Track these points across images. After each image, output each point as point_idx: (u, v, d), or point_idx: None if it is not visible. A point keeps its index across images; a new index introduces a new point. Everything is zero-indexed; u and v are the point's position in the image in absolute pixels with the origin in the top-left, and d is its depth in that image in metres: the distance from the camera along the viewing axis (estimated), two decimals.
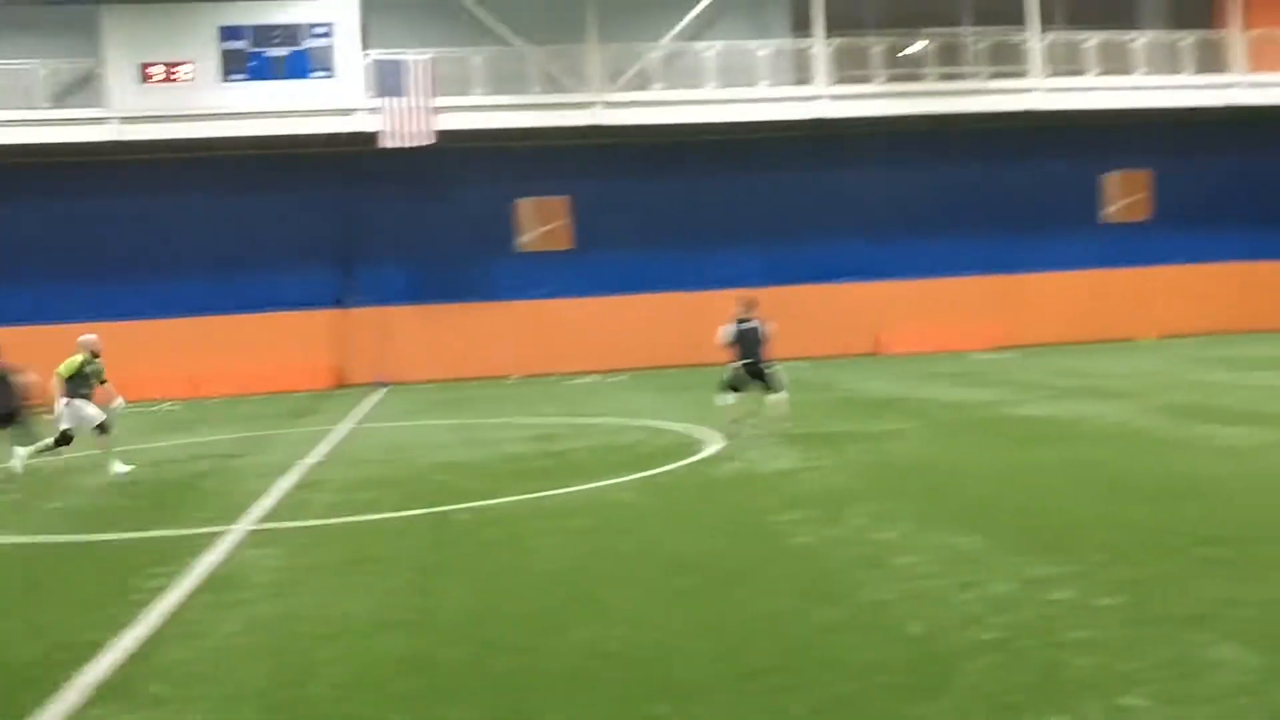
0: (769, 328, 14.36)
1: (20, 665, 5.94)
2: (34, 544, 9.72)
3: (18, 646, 6.32)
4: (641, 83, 30.61)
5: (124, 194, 30.42)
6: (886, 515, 8.58)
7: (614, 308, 31.31)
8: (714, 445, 13.30)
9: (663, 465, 11.96)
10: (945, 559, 7.05)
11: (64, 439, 13.32)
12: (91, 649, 6.02)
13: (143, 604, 7.01)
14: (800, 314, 31.30)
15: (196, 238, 30.71)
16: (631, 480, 11.07)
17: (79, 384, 13.38)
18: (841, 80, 30.83)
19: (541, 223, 31.71)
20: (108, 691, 5.38)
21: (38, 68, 28.73)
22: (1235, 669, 4.78)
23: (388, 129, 28.24)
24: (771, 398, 14.31)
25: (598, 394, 23.50)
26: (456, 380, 29.36)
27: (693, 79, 30.48)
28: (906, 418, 15.35)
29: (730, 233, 31.60)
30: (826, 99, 30.65)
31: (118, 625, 6.49)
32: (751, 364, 14.21)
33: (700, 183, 32.17)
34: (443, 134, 28.50)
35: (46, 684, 5.43)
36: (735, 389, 14.37)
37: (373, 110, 28.64)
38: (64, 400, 13.27)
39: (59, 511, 11.32)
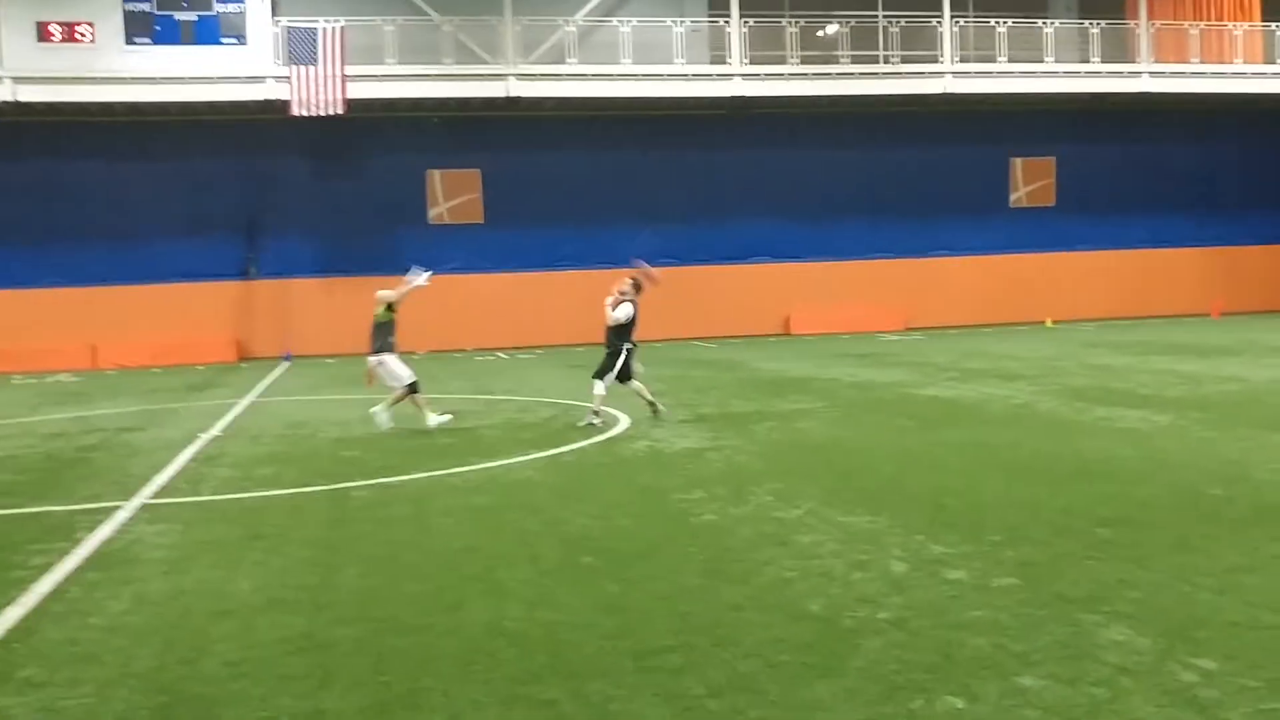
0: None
1: None
2: None
3: None
4: (556, 56, 30.31)
5: (21, 158, 29.35)
6: (791, 494, 8.62)
7: (524, 283, 31.08)
8: (622, 424, 13.23)
9: (570, 444, 11.87)
10: (847, 538, 7.09)
11: None
12: None
13: (23, 582, 6.76)
14: (711, 294, 31.44)
15: (98, 205, 29.72)
16: (538, 458, 10.98)
17: None
18: (756, 61, 30.87)
19: (453, 196, 31.32)
20: None
21: None
22: (1126, 650, 4.85)
23: (298, 97, 27.59)
24: (637, 384, 13.66)
25: (506, 370, 23.32)
26: (363, 355, 28.87)
27: (608, 55, 30.27)
28: (814, 398, 15.45)
29: (642, 210, 31.47)
30: (740, 78, 30.66)
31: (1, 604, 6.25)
32: (632, 347, 13.55)
33: (614, 159, 32.02)
34: (353, 103, 27.95)
35: None
36: (623, 378, 13.46)
37: (282, 78, 27.97)
38: None
39: None
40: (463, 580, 6.49)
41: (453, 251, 30.64)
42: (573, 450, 11.44)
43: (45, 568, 7.13)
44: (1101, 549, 6.62)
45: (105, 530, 8.25)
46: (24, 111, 28.02)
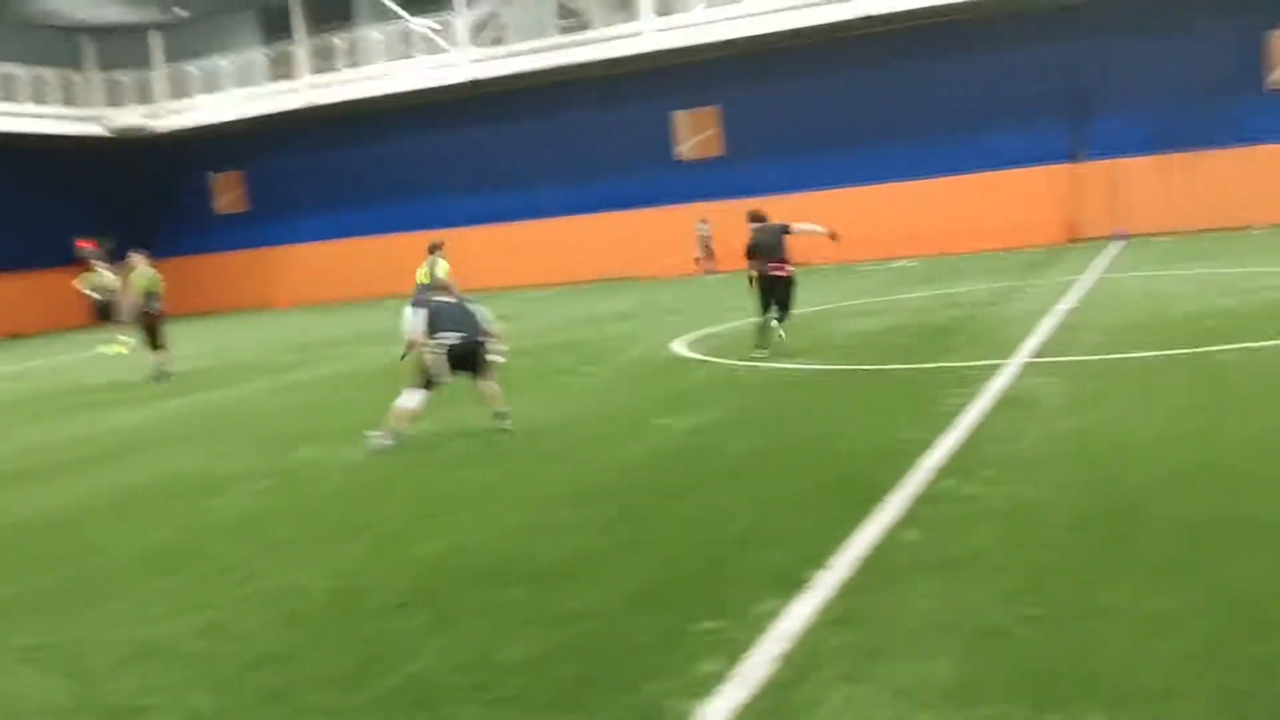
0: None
1: (871, 453, 7.57)
2: (839, 370, 11.66)
3: (863, 439, 8.01)
4: None
5: (865, 68, 32.51)
6: None
7: None
8: None
9: None
10: None
11: None
12: (924, 444, 7.47)
13: (951, 415, 8.40)
14: None
15: (933, 103, 32.07)
16: None
17: None
18: None
19: None
20: (949, 471, 6.77)
21: None
22: None
23: None
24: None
25: None
26: (1196, 232, 28.04)
27: None
28: None
29: None
30: None
31: (937, 429, 7.91)
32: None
33: None
34: None
35: (901, 464, 6.95)
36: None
37: None
38: None
39: (842, 349, 13.21)
40: None
41: None
42: None
43: (962, 406, 8.73)
44: None
45: (1001, 380, 9.73)
46: (868, 26, 31.02)
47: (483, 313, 9.66)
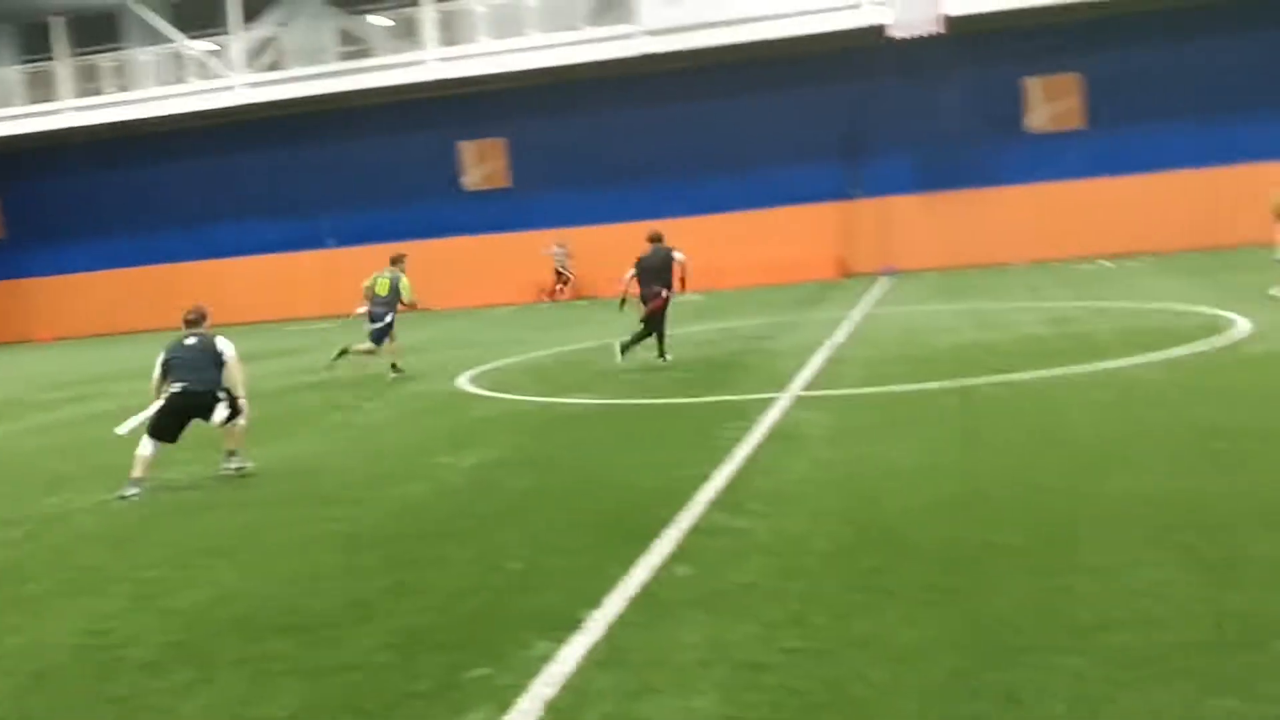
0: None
1: (649, 488, 7.65)
2: (621, 404, 11.77)
3: (642, 474, 8.10)
4: None
5: (652, 105, 33.17)
6: None
7: (1126, 188, 29.97)
8: (1243, 328, 13.04)
9: (1187, 345, 12.01)
10: None
11: None
12: (700, 478, 7.61)
13: (727, 448, 8.59)
14: None
15: (711, 140, 32.95)
16: (1154, 360, 11.32)
17: None
18: None
19: (1049, 102, 30.93)
20: (721, 505, 6.91)
21: None
22: None
23: (896, 20, 28.72)
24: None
25: (1112, 278, 23.04)
26: (960, 268, 29.67)
27: None
28: None
29: (1261, 101, 29.05)
30: None
31: (714, 463, 8.07)
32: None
33: (1225, 47, 29.61)
34: (948, 20, 28.53)
35: (676, 499, 7.05)
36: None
37: (880, 2, 29.19)
38: None
39: (625, 383, 13.35)
40: (1097, 457, 7.34)
41: (1048, 160, 30.47)
42: (1189, 353, 11.62)
43: (737, 439, 8.94)
44: None
45: (773, 414, 10.01)
46: (652, 63, 31.68)
47: (225, 354, 9.21)
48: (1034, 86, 30.97)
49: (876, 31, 29.28)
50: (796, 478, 7.54)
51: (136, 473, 8.92)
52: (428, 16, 32.62)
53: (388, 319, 15.54)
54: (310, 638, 5.18)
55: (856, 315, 19.37)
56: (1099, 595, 4.81)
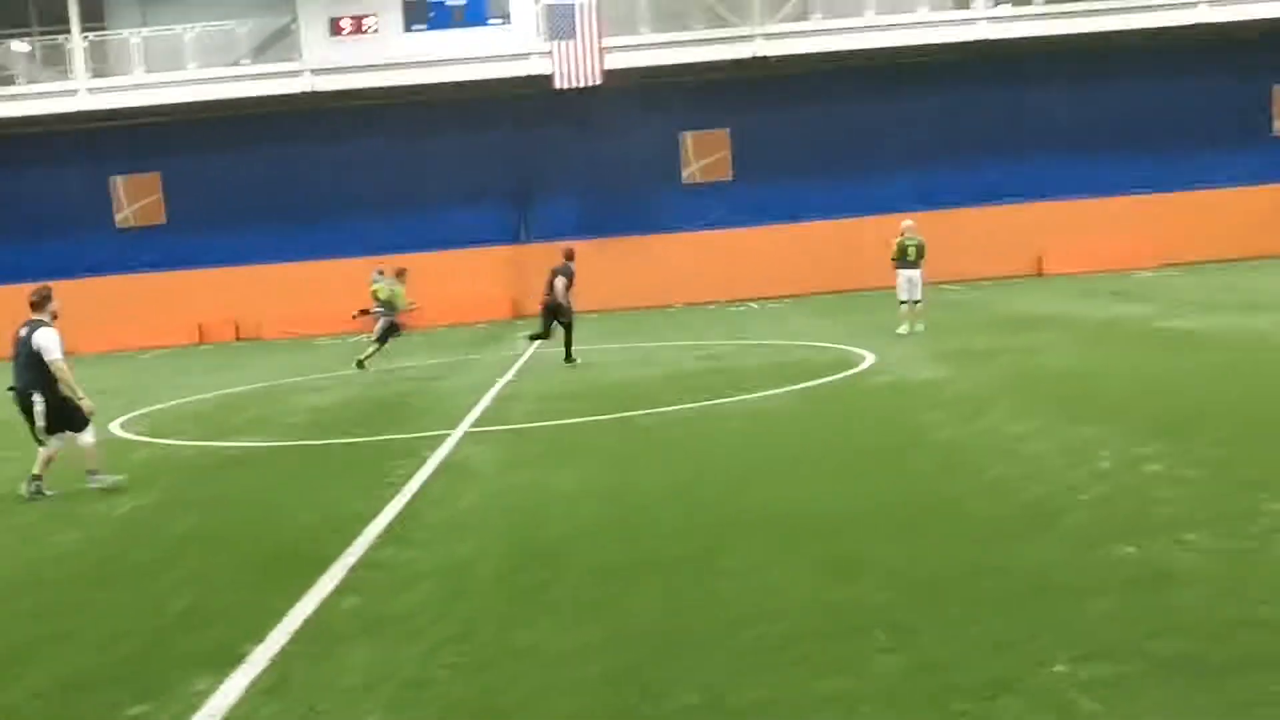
0: None
1: (316, 526, 7.67)
2: (289, 446, 11.63)
3: (313, 512, 8.10)
4: (800, 14, 31.33)
5: (316, 143, 32.72)
6: (1021, 414, 9.68)
7: (773, 236, 32.29)
8: (869, 361, 14.44)
9: (820, 379, 13.19)
10: (1066, 446, 8.17)
11: None
12: (370, 513, 7.71)
13: (396, 485, 8.71)
14: (960, 237, 31.77)
15: (382, 182, 32.86)
16: (791, 391, 12.37)
17: None
18: (999, 2, 30.94)
19: (704, 155, 32.87)
20: (390, 538, 7.05)
21: (237, 27, 31.19)
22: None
23: (559, 71, 29.73)
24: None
25: (760, 318, 24.72)
26: (626, 309, 30.93)
27: (851, 7, 31.04)
28: (1056, 332, 16.18)
29: (887, 159, 32.16)
30: (985, 21, 30.83)
31: (383, 500, 8.18)
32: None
33: (856, 110, 32.74)
34: (610, 73, 29.84)
35: (346, 534, 7.13)
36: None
37: (545, 53, 30.16)
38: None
39: (294, 425, 13.21)
40: (737, 477, 8.02)
41: (705, 208, 32.37)
42: (821, 384, 12.78)
43: (406, 477, 9.08)
44: None
45: (444, 450, 10.21)
46: (319, 100, 31.32)
47: (44, 351, 8.98)
48: (690, 140, 32.85)
49: (543, 81, 30.20)
50: (464, 508, 7.78)
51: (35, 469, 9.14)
52: (77, 45, 30.81)
53: (381, 323, 18.85)
54: None
55: (527, 355, 19.86)
56: (733, 596, 5.34)
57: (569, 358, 17.10)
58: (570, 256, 17.52)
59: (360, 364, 18.50)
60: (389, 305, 18.94)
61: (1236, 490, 6.49)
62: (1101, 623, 4.62)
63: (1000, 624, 4.71)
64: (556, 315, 17.16)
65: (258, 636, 5.27)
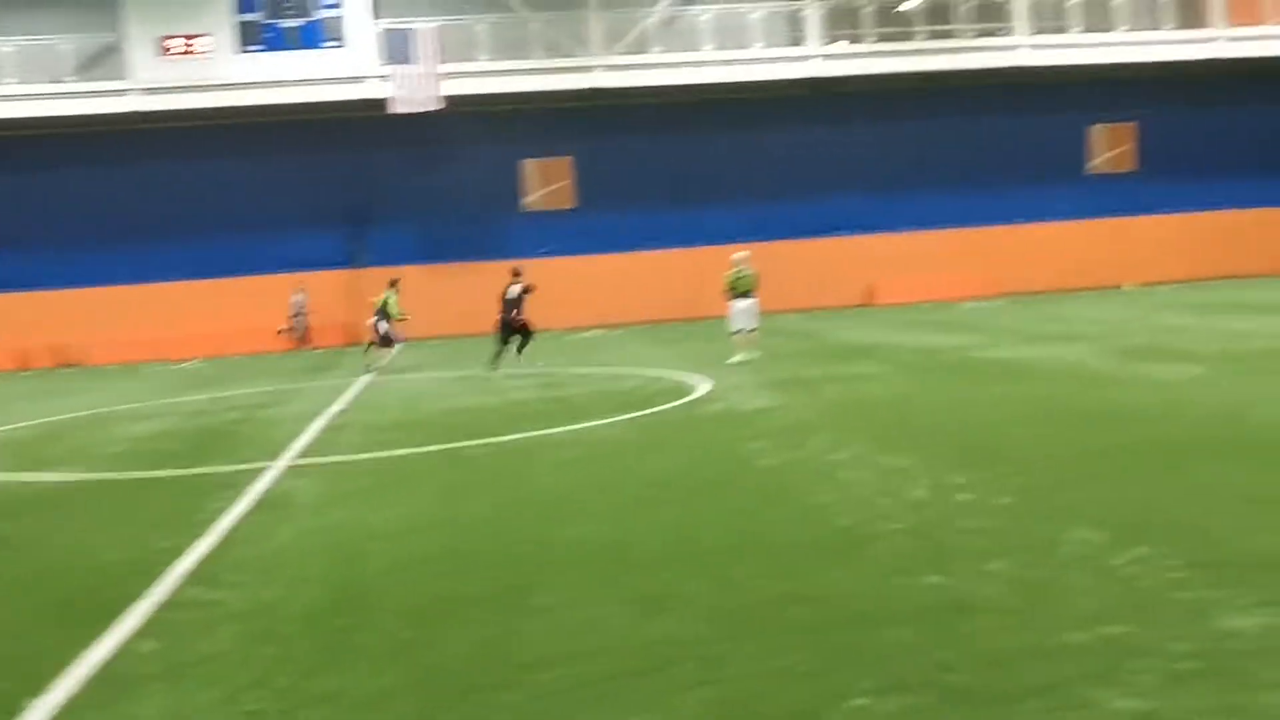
0: None
1: (118, 565, 7.33)
2: (100, 479, 11.12)
3: (117, 551, 7.73)
4: (640, 46, 31.70)
5: (146, 163, 31.64)
6: (841, 442, 9.91)
7: (615, 265, 32.54)
8: (703, 389, 14.61)
9: (652, 407, 13.28)
10: (882, 474, 8.39)
11: None
12: (177, 552, 7.40)
13: (209, 521, 8.39)
14: (794, 268, 32.56)
15: (216, 204, 31.94)
16: (623, 419, 12.42)
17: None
18: (834, 40, 31.91)
19: (545, 183, 32.92)
20: (197, 578, 6.77)
21: (60, 42, 29.94)
22: (1083, 544, 6.11)
23: (397, 95, 29.41)
24: None
25: (600, 346, 24.81)
26: (465, 336, 30.64)
27: (689, 42, 31.57)
28: (879, 362, 16.67)
29: (726, 191, 32.76)
30: (819, 59, 31.73)
31: (193, 536, 7.87)
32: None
33: (697, 143, 33.31)
34: (450, 99, 29.66)
35: (150, 575, 6.81)
36: None
37: (383, 77, 29.79)
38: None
39: (108, 457, 12.66)
40: (558, 509, 7.98)
41: (546, 236, 32.39)
42: (654, 412, 12.86)
43: (220, 513, 8.76)
44: (1095, 475, 7.84)
45: (263, 483, 9.90)
46: (148, 120, 30.28)
47: None
48: (531, 167, 32.87)
49: (381, 105, 29.83)
50: (278, 546, 7.52)
51: None
52: None
53: (382, 329, 21.42)
54: None
55: (361, 382, 19.48)
56: (542, 634, 5.27)
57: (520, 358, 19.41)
58: (518, 274, 19.87)
59: (368, 368, 21.18)
60: (384, 313, 21.33)
61: (1042, 519, 6.73)
62: (901, 653, 4.72)
63: (806, 655, 4.77)
64: (516, 330, 19.47)
65: (42, 687, 4.98)
